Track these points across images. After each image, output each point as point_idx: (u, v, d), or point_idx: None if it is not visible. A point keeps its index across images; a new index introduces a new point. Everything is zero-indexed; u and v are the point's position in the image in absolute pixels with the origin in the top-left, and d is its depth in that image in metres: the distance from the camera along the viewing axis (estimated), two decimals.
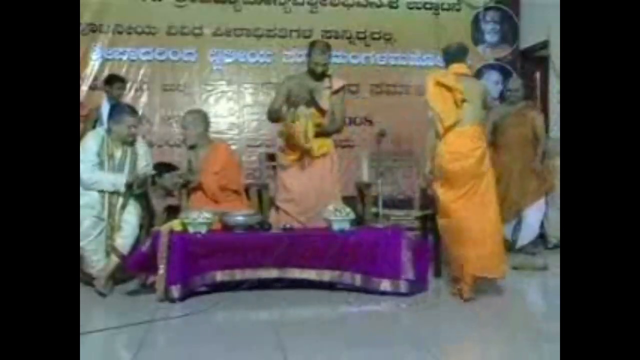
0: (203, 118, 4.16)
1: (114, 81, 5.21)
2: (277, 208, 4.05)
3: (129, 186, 3.61)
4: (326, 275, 3.51)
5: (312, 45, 4.16)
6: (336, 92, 4.15)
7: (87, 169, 3.52)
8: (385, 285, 3.41)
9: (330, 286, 3.56)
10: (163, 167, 4.15)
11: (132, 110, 3.81)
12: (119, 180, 3.58)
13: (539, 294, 3.92)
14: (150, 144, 4.93)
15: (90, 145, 3.60)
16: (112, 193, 3.59)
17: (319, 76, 4.08)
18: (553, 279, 4.03)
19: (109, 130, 3.68)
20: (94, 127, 4.57)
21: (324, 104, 4.08)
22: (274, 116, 4.14)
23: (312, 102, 4.04)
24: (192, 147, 4.12)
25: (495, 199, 3.45)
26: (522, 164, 4.85)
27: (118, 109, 3.81)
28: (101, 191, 3.58)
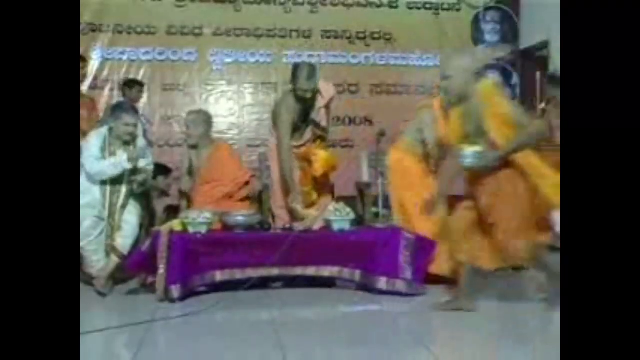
0: (205, 118, 4.16)
1: (133, 84, 5.25)
2: (273, 216, 4.04)
3: (129, 188, 3.61)
4: (326, 272, 3.52)
5: (296, 70, 3.85)
6: (327, 104, 4.05)
7: (89, 162, 3.52)
8: (384, 284, 3.41)
9: (329, 284, 3.56)
10: (156, 169, 4.14)
11: (132, 109, 3.82)
12: (121, 160, 3.56)
13: (539, 293, 3.91)
14: (150, 144, 4.93)
15: (93, 142, 3.61)
16: (112, 193, 3.59)
17: (307, 100, 3.90)
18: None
19: (110, 130, 3.69)
20: None
21: (322, 120, 4.04)
22: (287, 159, 3.86)
23: (311, 123, 4.01)
24: (193, 147, 4.12)
25: None
26: None
27: (118, 107, 3.82)
28: (103, 184, 3.57)
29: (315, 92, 3.91)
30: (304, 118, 3.98)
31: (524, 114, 2.77)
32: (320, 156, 3.87)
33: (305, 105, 3.92)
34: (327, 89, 4.01)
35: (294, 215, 3.76)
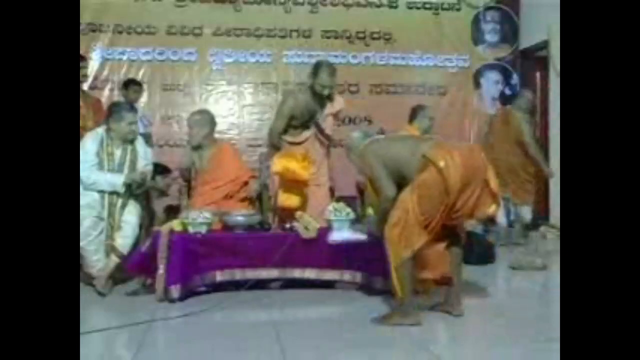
0: (209, 119, 4.15)
1: (130, 85, 5.28)
2: (274, 216, 4.04)
3: (127, 186, 3.61)
4: (327, 274, 3.52)
5: (318, 66, 3.95)
6: (336, 114, 4.11)
7: (86, 169, 3.52)
8: (383, 284, 3.39)
9: (330, 286, 3.56)
10: (155, 169, 4.13)
11: (131, 108, 3.82)
12: (117, 181, 3.57)
13: (539, 293, 3.91)
14: (150, 144, 4.92)
15: (89, 145, 3.59)
16: (111, 193, 3.58)
17: (323, 98, 3.97)
18: (553, 278, 4.03)
19: (108, 130, 3.67)
20: None
21: (328, 128, 4.07)
22: (275, 141, 4.01)
23: (314, 126, 4.03)
24: (196, 148, 4.11)
25: None
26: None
27: (117, 107, 3.79)
28: (101, 191, 3.58)
29: (331, 93, 3.97)
30: (309, 117, 3.99)
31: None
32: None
33: (317, 102, 3.96)
34: (338, 100, 4.10)
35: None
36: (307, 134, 4.05)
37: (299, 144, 4.04)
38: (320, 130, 4.06)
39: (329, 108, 4.04)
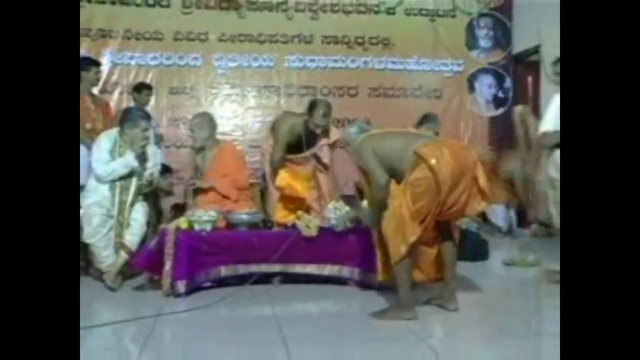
0: (209, 121, 4.21)
1: (142, 88, 5.40)
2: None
3: (137, 187, 3.73)
4: (327, 270, 3.61)
5: (314, 105, 4.01)
6: (332, 144, 4.19)
7: (101, 165, 3.63)
8: (377, 279, 3.39)
9: (330, 282, 3.63)
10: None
11: (146, 115, 3.91)
12: (129, 158, 3.67)
13: (531, 288, 3.88)
14: (159, 145, 5.05)
15: (104, 144, 3.71)
16: (121, 191, 3.67)
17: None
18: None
19: (121, 133, 3.77)
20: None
21: (325, 157, 4.16)
22: (275, 167, 4.13)
23: (314, 158, 4.15)
24: (199, 150, 4.19)
25: None
26: None
27: (132, 114, 3.86)
28: (112, 186, 3.66)
29: (326, 130, 4.07)
30: (306, 143, 4.11)
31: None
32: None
33: (310, 136, 4.07)
34: (334, 132, 4.19)
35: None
36: (302, 156, 4.17)
37: (297, 163, 4.17)
38: (318, 160, 4.16)
39: (324, 140, 4.14)
